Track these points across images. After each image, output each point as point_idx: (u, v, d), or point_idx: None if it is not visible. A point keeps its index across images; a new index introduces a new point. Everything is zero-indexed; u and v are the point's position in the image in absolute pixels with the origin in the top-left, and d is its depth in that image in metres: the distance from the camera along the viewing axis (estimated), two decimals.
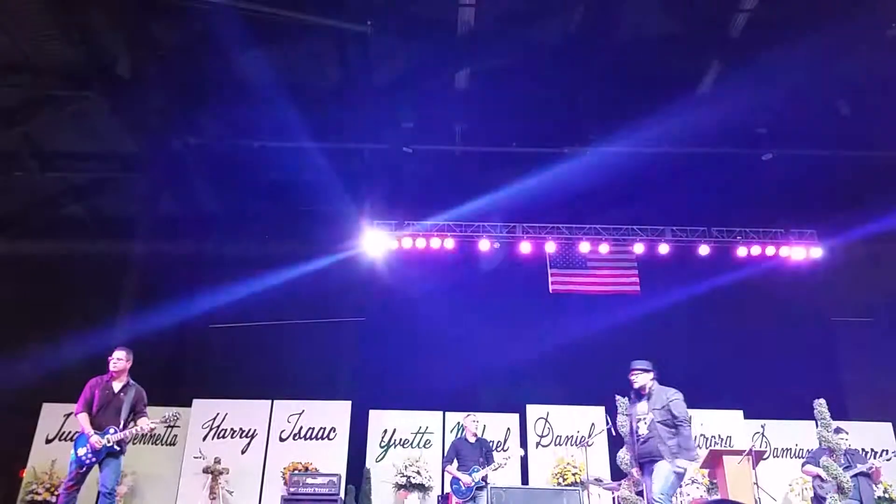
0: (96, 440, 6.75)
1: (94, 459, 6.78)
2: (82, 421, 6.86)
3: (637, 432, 6.73)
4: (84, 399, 6.95)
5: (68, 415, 10.44)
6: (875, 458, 9.57)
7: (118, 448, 6.88)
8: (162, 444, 10.81)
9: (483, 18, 8.68)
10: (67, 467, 6.90)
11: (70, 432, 10.43)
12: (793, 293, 11.89)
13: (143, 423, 7.04)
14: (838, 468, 8.30)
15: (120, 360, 7.08)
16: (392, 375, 11.50)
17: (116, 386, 7.05)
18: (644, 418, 6.68)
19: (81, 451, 6.78)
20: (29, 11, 8.52)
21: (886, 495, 10.22)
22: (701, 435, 10.54)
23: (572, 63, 9.48)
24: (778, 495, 10.43)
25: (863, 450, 9.81)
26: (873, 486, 8.88)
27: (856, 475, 8.43)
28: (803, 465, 9.30)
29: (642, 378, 6.84)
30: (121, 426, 6.89)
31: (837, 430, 8.77)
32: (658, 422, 6.54)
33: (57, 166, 11.32)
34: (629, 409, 6.97)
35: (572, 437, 10.96)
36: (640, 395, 6.85)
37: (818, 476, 8.79)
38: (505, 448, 10.65)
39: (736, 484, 8.03)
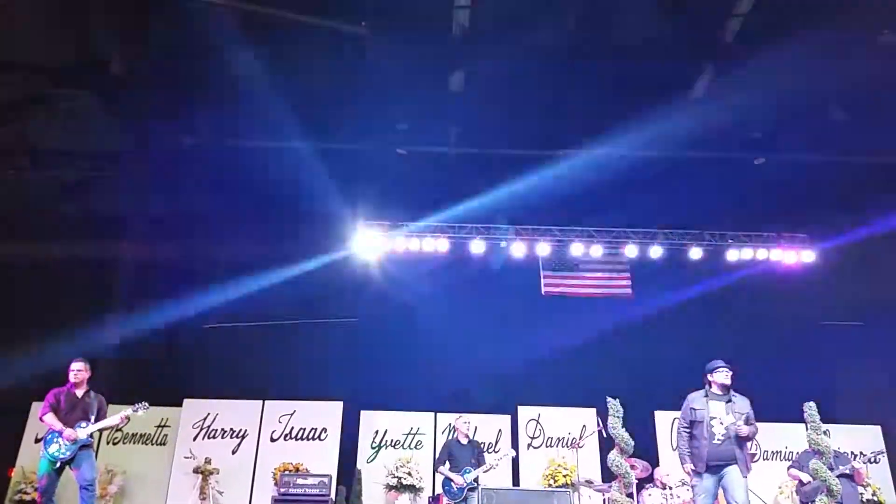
0: (69, 432, 6.89)
1: (67, 454, 6.88)
2: (49, 420, 7.00)
3: (711, 431, 6.60)
4: (49, 403, 7.11)
5: None
6: (860, 459, 9.59)
7: (92, 439, 7.07)
8: (152, 444, 10.78)
9: (478, 20, 8.69)
10: (38, 472, 7.03)
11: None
12: (784, 297, 11.94)
13: (115, 417, 7.23)
14: (827, 471, 8.35)
15: (80, 371, 7.26)
16: (384, 376, 11.50)
17: (79, 393, 7.24)
18: (721, 419, 6.61)
19: (54, 448, 6.89)
20: (22, 9, 8.49)
21: (875, 498, 10.28)
22: None
23: (566, 66, 9.50)
24: (768, 498, 10.48)
25: (851, 453, 9.87)
26: (856, 487, 8.95)
27: (838, 477, 8.48)
28: (789, 468, 9.37)
29: (730, 377, 6.77)
30: (92, 420, 7.08)
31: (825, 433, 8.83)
32: (736, 426, 6.53)
33: (50, 165, 11.25)
34: (699, 405, 6.77)
35: (563, 438, 11.00)
36: (717, 395, 6.75)
37: (799, 480, 8.85)
38: (496, 450, 10.66)
39: None
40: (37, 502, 7.05)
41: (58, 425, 6.92)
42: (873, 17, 8.62)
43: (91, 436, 7.08)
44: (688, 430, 6.78)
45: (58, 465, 6.88)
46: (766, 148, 10.74)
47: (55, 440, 6.90)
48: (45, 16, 8.63)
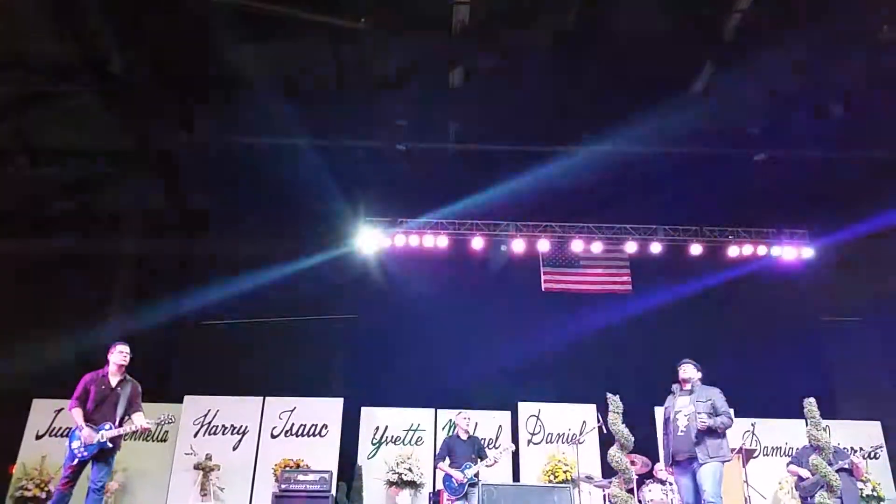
0: (87, 433, 6.68)
1: (86, 455, 6.71)
2: (75, 415, 6.80)
3: (676, 424, 6.78)
4: (78, 395, 6.87)
5: (58, 411, 10.43)
6: (859, 454, 9.60)
7: (111, 445, 6.81)
8: (153, 441, 10.78)
9: (477, 17, 8.68)
10: (62, 462, 6.85)
11: (60, 428, 10.43)
12: (784, 293, 11.96)
13: (139, 420, 6.95)
14: (827, 466, 8.36)
15: (127, 354, 7.00)
16: (384, 373, 11.52)
17: (113, 381, 6.96)
18: (684, 411, 6.75)
19: (75, 445, 6.73)
20: (21, 7, 8.48)
21: (875, 493, 10.31)
22: None
23: (566, 62, 9.50)
24: (768, 493, 10.51)
25: (851, 448, 9.89)
26: (855, 482, 8.97)
27: (836, 471, 8.50)
28: (788, 464, 9.39)
29: (690, 370, 6.94)
30: (117, 422, 6.83)
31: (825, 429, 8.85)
32: (700, 416, 6.60)
33: (49, 162, 11.25)
34: (668, 403, 7.03)
35: (564, 434, 11.02)
36: (682, 388, 6.92)
37: (798, 475, 8.88)
38: (496, 446, 10.68)
39: (726, 482, 8.05)
40: (56, 489, 6.88)
41: (81, 422, 6.72)
42: (873, 13, 8.61)
43: (114, 439, 6.80)
44: (665, 430, 7.00)
45: (75, 462, 6.70)
46: (766, 144, 10.73)
47: (78, 437, 6.73)
48: (44, 14, 8.61)
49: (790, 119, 10.17)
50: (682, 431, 6.71)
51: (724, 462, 6.65)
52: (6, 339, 10.41)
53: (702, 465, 6.54)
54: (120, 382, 6.98)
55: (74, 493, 6.78)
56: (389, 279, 11.99)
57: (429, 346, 11.47)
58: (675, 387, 7.05)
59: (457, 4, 8.49)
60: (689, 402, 6.75)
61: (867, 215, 11.06)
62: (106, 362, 7.02)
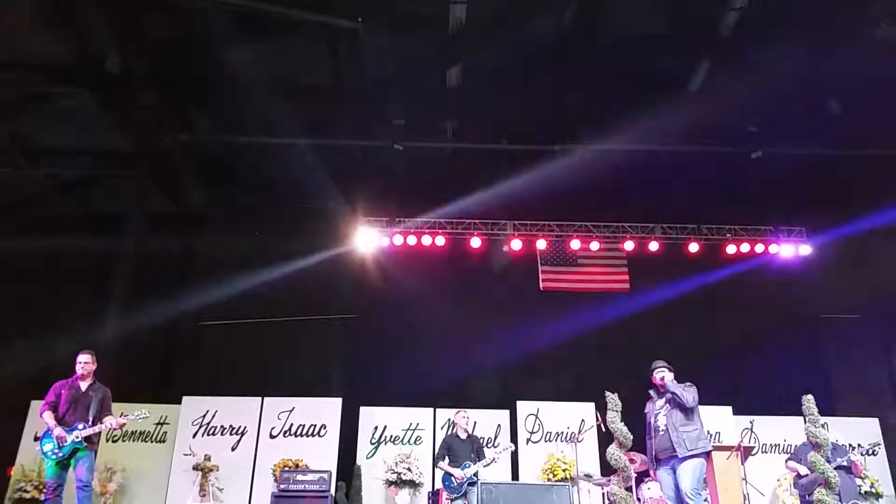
0: (59, 432, 6.87)
1: (61, 455, 6.88)
2: (46, 418, 7.04)
3: (655, 425, 6.87)
4: (49, 400, 7.13)
5: None
6: (857, 451, 9.66)
7: (86, 444, 6.98)
8: (152, 442, 10.76)
9: (474, 16, 8.69)
10: (46, 475, 7.07)
11: None
12: (781, 291, 11.99)
13: (109, 421, 7.19)
14: (825, 463, 8.37)
15: (87, 363, 7.29)
16: (383, 372, 11.51)
17: (83, 385, 7.23)
18: (663, 411, 6.84)
19: (47, 447, 6.92)
20: (18, 7, 8.47)
21: (873, 490, 10.33)
22: None
23: (563, 61, 9.52)
24: (766, 490, 10.52)
25: (850, 445, 9.92)
26: (854, 479, 8.98)
27: (835, 469, 8.51)
28: (787, 461, 9.41)
29: (668, 375, 6.99)
30: (90, 422, 7.03)
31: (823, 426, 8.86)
32: (672, 409, 6.72)
33: (47, 163, 11.27)
34: (648, 408, 7.12)
35: (562, 433, 11.00)
36: (659, 393, 7.00)
37: (797, 472, 8.89)
38: (495, 444, 10.68)
39: (725, 479, 8.09)
40: (45, 499, 6.99)
41: (52, 424, 6.94)
42: (870, 10, 8.63)
43: (90, 437, 7.00)
44: (647, 434, 7.06)
45: (51, 464, 6.86)
46: (764, 142, 10.75)
47: (50, 439, 6.91)
48: (43, 14, 8.60)
49: (787, 116, 10.19)
50: (662, 430, 6.80)
51: (704, 455, 6.68)
52: (4, 339, 10.40)
53: (682, 460, 6.56)
54: (90, 386, 7.26)
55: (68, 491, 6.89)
56: (388, 279, 11.98)
57: (427, 346, 11.47)
58: (652, 392, 7.12)
59: (454, 3, 8.50)
60: (665, 402, 6.87)
61: (865, 213, 11.08)
62: (74, 370, 7.31)
